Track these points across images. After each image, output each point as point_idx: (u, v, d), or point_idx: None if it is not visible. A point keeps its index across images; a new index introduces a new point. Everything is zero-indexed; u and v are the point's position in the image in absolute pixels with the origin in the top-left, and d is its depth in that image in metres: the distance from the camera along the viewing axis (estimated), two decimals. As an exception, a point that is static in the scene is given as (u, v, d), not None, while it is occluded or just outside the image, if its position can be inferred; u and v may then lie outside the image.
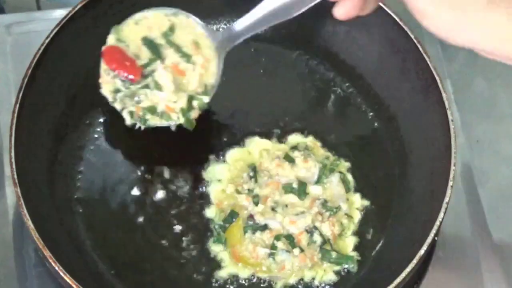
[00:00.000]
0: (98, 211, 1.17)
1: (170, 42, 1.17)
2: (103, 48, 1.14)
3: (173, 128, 1.15)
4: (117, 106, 1.14)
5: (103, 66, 1.14)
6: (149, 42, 1.16)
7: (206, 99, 1.16)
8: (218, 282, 1.12)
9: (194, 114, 1.16)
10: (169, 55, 1.16)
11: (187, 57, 1.17)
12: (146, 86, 1.14)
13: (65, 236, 1.12)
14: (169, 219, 1.17)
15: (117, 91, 1.14)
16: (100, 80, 1.14)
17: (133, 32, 1.17)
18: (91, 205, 1.17)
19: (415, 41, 1.18)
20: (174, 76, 1.15)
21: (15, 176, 1.04)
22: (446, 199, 1.07)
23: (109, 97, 1.14)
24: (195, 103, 1.16)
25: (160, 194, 1.18)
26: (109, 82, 1.14)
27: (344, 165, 1.22)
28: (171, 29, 1.17)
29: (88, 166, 1.20)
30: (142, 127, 1.15)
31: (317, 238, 1.13)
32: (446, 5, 0.88)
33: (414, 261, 1.03)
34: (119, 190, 1.19)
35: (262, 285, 1.12)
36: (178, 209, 1.18)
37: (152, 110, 1.15)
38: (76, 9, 1.17)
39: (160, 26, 1.18)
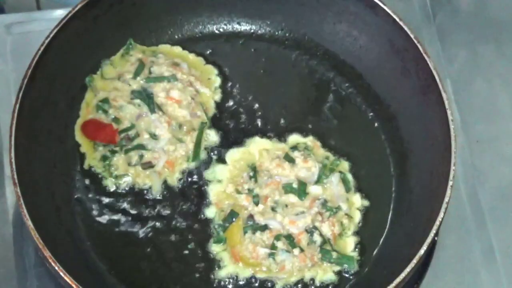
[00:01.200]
0: (98, 211, 1.17)
1: (150, 79, 1.20)
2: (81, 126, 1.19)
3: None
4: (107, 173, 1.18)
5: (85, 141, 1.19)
6: (137, 94, 1.19)
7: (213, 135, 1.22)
8: (218, 282, 1.12)
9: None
10: (156, 94, 1.19)
11: (172, 79, 1.20)
12: (139, 147, 1.17)
13: (65, 236, 1.12)
14: (169, 219, 1.17)
15: (104, 158, 1.18)
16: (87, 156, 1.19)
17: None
18: (91, 205, 1.17)
19: (415, 41, 1.18)
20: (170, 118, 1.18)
21: (15, 176, 1.04)
22: (446, 199, 1.07)
23: (98, 167, 1.18)
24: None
25: (159, 194, 1.18)
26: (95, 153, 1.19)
27: (344, 165, 1.22)
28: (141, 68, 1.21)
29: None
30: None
31: (317, 238, 1.13)
32: None
33: (414, 261, 1.03)
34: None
35: (262, 285, 1.12)
36: (178, 209, 1.18)
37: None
38: (76, 9, 1.17)
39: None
